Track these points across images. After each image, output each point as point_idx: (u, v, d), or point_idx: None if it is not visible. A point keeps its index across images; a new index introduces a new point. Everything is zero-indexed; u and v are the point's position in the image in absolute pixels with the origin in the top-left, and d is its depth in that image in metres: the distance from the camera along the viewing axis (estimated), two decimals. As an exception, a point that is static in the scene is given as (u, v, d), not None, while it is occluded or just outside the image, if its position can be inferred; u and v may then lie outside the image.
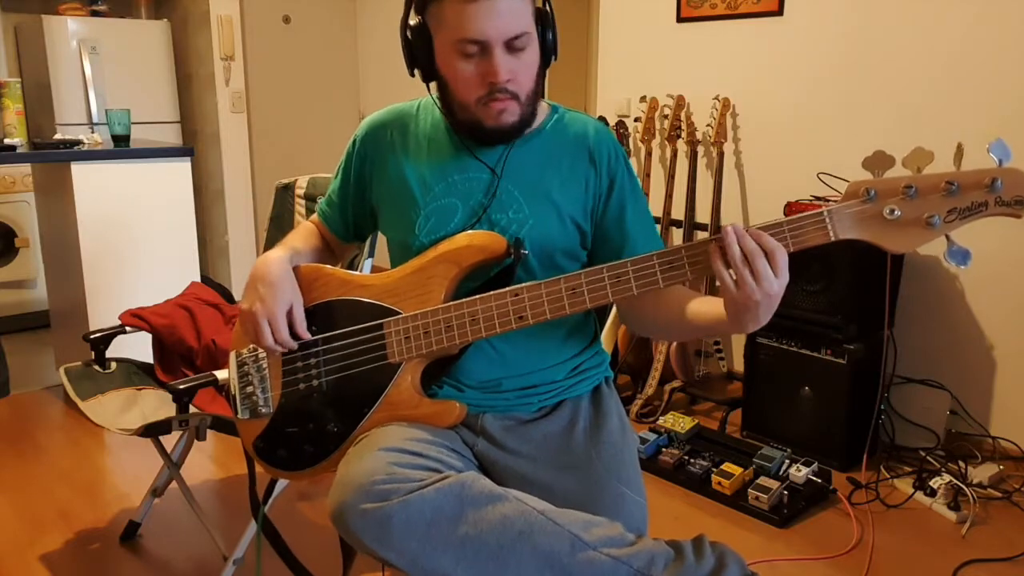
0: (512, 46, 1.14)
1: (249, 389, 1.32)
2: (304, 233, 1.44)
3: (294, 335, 1.26)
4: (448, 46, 1.16)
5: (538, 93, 1.23)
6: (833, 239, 1.01)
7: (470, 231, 1.23)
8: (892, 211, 0.99)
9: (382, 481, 1.05)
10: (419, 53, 1.20)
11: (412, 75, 1.25)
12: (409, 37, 1.20)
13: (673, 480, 2.41)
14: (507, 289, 1.16)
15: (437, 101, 1.28)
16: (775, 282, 1.00)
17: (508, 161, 1.25)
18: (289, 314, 1.25)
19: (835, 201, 1.08)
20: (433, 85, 1.26)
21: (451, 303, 1.19)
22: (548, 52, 1.21)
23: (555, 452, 1.24)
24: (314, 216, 1.48)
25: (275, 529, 1.75)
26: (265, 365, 1.31)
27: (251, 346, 1.32)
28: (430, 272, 1.22)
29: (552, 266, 1.25)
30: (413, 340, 1.20)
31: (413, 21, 1.19)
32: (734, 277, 1.01)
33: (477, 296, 1.17)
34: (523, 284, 1.15)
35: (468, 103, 1.19)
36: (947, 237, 0.99)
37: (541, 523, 1.06)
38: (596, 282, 1.11)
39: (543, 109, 1.29)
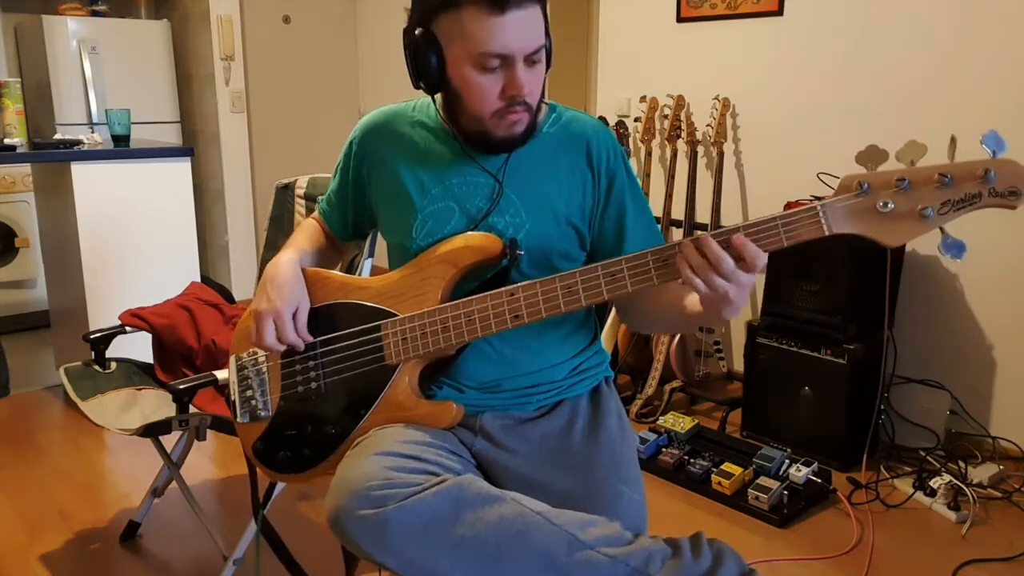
0: (530, 60, 1.14)
1: (248, 393, 1.32)
2: (310, 232, 1.44)
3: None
4: (465, 58, 1.12)
5: (542, 101, 1.24)
6: (827, 233, 1.01)
7: (467, 233, 1.22)
8: (885, 204, 0.99)
9: (378, 486, 1.05)
10: (427, 65, 1.15)
11: (417, 87, 1.20)
12: (415, 48, 1.16)
13: (673, 480, 2.41)
14: (503, 289, 1.15)
15: (440, 109, 1.26)
16: (743, 277, 1.02)
17: (508, 167, 1.25)
18: (296, 315, 1.26)
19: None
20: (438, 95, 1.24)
21: (447, 304, 1.19)
22: (550, 61, 1.21)
23: (553, 451, 1.24)
24: (315, 214, 1.49)
25: (275, 532, 1.75)
26: (264, 368, 1.32)
27: (251, 350, 1.32)
28: (427, 274, 1.22)
29: (548, 268, 1.25)
30: (410, 341, 1.20)
31: (419, 32, 1.15)
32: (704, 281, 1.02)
33: (473, 296, 1.17)
34: (519, 284, 1.15)
35: (482, 115, 1.16)
36: (941, 229, 0.99)
37: (538, 523, 1.06)
38: (591, 280, 1.11)
39: (542, 110, 1.29)
